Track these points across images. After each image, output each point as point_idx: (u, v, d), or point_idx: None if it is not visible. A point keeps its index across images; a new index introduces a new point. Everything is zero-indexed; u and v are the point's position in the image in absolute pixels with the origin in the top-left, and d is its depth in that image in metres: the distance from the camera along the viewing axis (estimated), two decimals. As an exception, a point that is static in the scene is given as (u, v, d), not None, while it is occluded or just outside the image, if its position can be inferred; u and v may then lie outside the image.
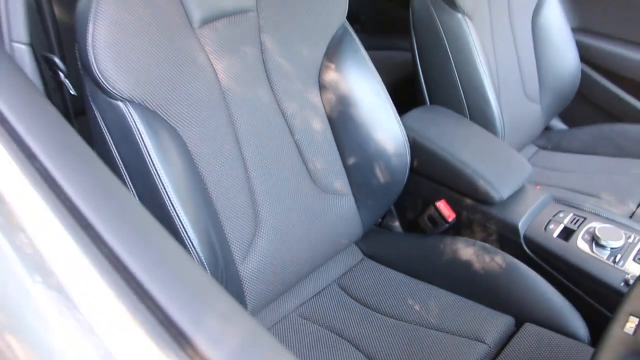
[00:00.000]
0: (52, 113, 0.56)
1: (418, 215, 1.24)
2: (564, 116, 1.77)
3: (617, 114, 1.69)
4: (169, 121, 0.85)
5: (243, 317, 0.41)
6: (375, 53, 1.94)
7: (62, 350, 0.45)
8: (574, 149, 1.58)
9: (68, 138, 0.53)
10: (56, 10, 1.38)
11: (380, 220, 1.34)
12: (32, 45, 0.76)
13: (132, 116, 0.80)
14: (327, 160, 1.08)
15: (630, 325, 0.61)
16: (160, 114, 0.84)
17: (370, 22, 2.27)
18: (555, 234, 1.07)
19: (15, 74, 0.61)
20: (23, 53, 0.74)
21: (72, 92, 0.89)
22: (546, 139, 1.65)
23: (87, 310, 0.43)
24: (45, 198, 0.47)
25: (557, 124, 1.78)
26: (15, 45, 0.72)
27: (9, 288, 0.49)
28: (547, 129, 1.73)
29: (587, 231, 1.06)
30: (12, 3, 0.74)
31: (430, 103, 1.41)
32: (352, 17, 2.50)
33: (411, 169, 1.13)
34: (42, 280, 0.46)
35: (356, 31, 2.42)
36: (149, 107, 0.83)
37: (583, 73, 1.62)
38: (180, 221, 0.83)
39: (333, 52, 1.07)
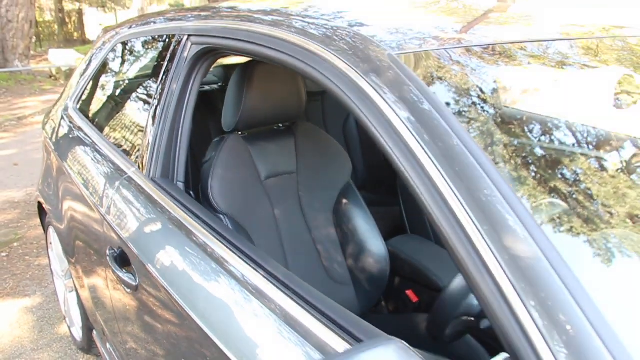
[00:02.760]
0: (209, 212, 1.30)
1: (396, 300, 1.83)
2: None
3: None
4: (244, 227, 1.56)
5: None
6: (385, 208, 2.61)
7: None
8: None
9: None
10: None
11: (373, 307, 1.92)
12: (184, 182, 1.50)
13: (227, 222, 1.52)
14: (336, 261, 1.72)
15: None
16: (240, 223, 1.55)
17: (378, 184, 2.99)
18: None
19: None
20: (180, 186, 1.48)
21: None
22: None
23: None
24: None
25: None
26: (179, 183, 1.47)
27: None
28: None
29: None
30: (181, 158, 1.47)
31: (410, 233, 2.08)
32: (374, 183, 3.19)
33: (391, 271, 1.76)
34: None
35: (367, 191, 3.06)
36: (235, 219, 1.54)
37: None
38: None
39: (342, 197, 1.75)
